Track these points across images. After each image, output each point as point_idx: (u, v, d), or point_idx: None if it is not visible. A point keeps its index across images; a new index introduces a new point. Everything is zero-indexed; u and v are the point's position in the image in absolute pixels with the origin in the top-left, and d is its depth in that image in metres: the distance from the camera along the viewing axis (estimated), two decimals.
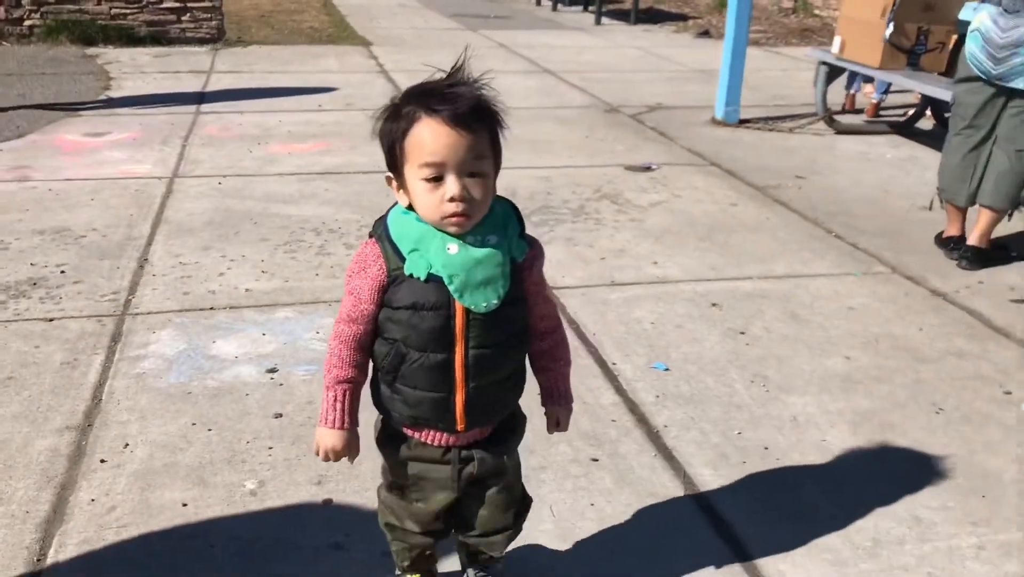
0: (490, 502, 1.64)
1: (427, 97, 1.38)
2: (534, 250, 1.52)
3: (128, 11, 8.84)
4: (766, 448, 2.44)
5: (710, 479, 2.29)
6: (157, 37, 8.88)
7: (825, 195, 4.69)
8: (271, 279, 3.43)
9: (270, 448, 2.36)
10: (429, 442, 1.57)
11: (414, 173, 1.40)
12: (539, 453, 2.34)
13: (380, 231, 1.48)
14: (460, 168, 1.38)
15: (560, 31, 11.44)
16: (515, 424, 1.66)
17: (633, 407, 2.62)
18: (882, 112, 6.65)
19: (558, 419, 1.67)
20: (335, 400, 1.54)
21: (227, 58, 8.35)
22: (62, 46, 8.50)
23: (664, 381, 2.77)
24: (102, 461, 2.28)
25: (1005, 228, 4.03)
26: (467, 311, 1.45)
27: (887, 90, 6.42)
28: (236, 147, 5.26)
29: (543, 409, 1.68)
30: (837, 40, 5.79)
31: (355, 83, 7.38)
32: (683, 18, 12.98)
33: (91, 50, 8.41)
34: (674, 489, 2.25)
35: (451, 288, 1.44)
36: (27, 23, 8.64)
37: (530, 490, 1.82)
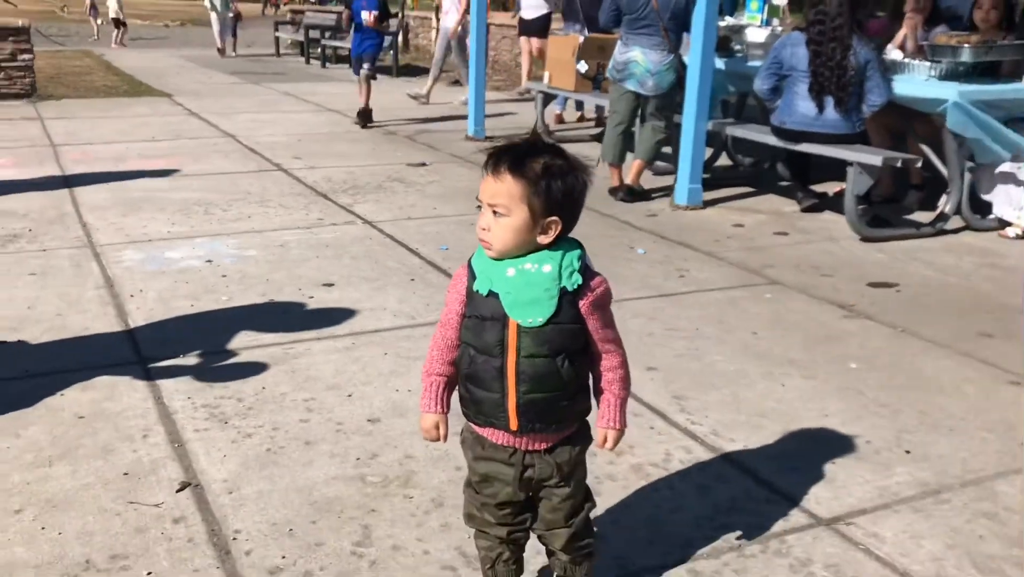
0: (549, 506, 1.89)
1: (492, 151, 1.73)
2: (591, 284, 1.75)
3: None
4: None
5: None
6: None
7: None
8: (180, 227, 5.11)
9: (227, 293, 4.11)
10: (496, 442, 1.84)
11: None
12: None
13: (470, 259, 1.80)
14: (488, 205, 1.71)
15: (334, 82, 13.35)
16: (575, 441, 1.87)
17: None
18: (578, 123, 9.25)
19: (605, 436, 1.88)
20: (428, 388, 1.86)
21: (49, 109, 9.60)
22: None
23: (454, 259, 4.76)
24: (131, 296, 3.95)
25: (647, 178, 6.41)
26: (518, 325, 1.74)
27: (565, 103, 9.24)
28: (103, 164, 6.77)
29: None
30: (546, 75, 8.14)
31: (174, 122, 8.96)
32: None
33: None
34: None
35: (504, 304, 1.73)
36: None
37: None
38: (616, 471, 2.66)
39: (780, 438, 2.93)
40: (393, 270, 4.46)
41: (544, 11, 10.85)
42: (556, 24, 10.77)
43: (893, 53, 5.88)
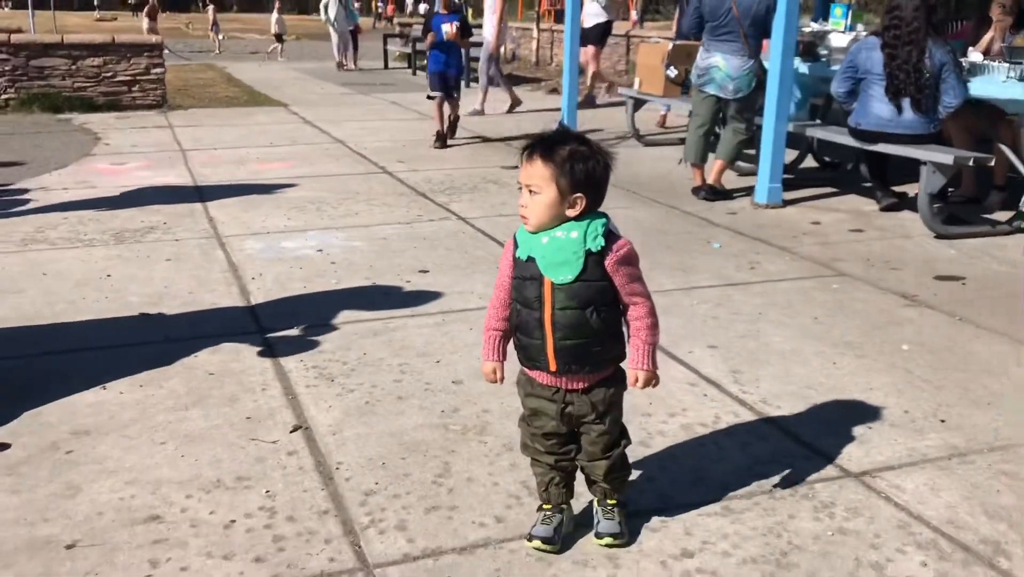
0: (589, 440, 2.22)
1: (528, 141, 2.09)
2: (613, 246, 2.07)
3: (88, 84, 10.82)
4: None
5: None
6: (113, 104, 10.88)
7: (630, 176, 7.24)
8: (294, 222, 5.67)
9: (335, 277, 4.61)
10: (542, 382, 2.18)
11: None
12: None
13: (515, 233, 2.16)
14: (525, 186, 2.07)
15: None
16: (610, 384, 2.19)
17: None
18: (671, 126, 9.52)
19: (636, 377, 2.17)
20: (487, 341, 2.23)
21: (177, 118, 10.44)
22: (34, 114, 10.38)
23: None
24: (252, 279, 4.49)
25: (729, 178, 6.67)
26: (552, 283, 2.07)
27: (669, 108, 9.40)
28: (226, 168, 7.44)
29: None
30: (636, 81, 8.48)
31: (288, 129, 9.65)
32: (537, 80, 15.79)
33: (61, 116, 10.34)
34: None
35: (540, 266, 2.07)
36: (3, 96, 10.52)
37: None
38: (667, 428, 3.00)
39: (823, 406, 3.21)
40: (481, 259, 4.88)
41: (603, 19, 11.21)
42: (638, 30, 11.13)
43: (974, 56, 5.99)
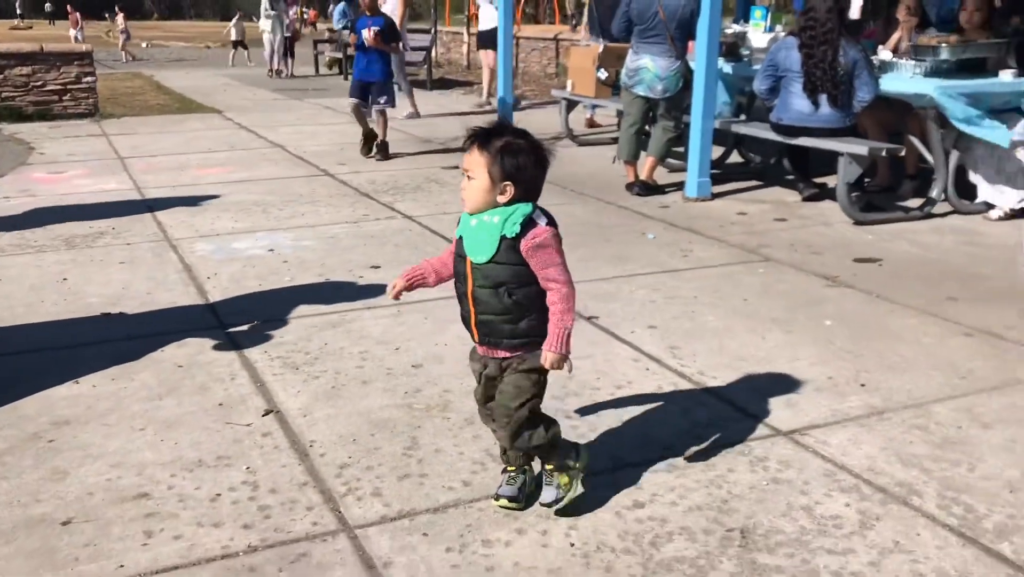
0: (495, 401, 2.43)
1: (469, 132, 2.32)
2: (531, 232, 2.24)
3: (16, 94, 10.68)
4: None
5: None
6: (43, 114, 10.75)
7: (566, 174, 7.51)
8: (242, 224, 5.79)
9: (289, 274, 4.77)
10: (476, 352, 2.45)
11: None
12: None
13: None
14: (464, 170, 2.30)
15: None
16: (524, 359, 2.35)
17: None
18: (603, 125, 9.85)
19: (546, 357, 2.30)
20: (410, 268, 2.52)
21: (111, 126, 10.40)
22: None
23: None
24: (208, 278, 4.62)
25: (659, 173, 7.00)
26: (471, 261, 2.30)
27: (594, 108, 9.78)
28: (167, 174, 7.50)
29: None
30: (569, 83, 8.77)
31: (225, 135, 9.71)
32: (469, 84, 16.01)
33: None
34: None
35: (465, 246, 2.31)
36: None
37: None
38: (614, 399, 3.26)
39: (755, 376, 3.51)
40: (431, 254, 4.95)
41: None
42: (577, 35, 11.47)
43: (883, 54, 6.41)
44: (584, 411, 3.17)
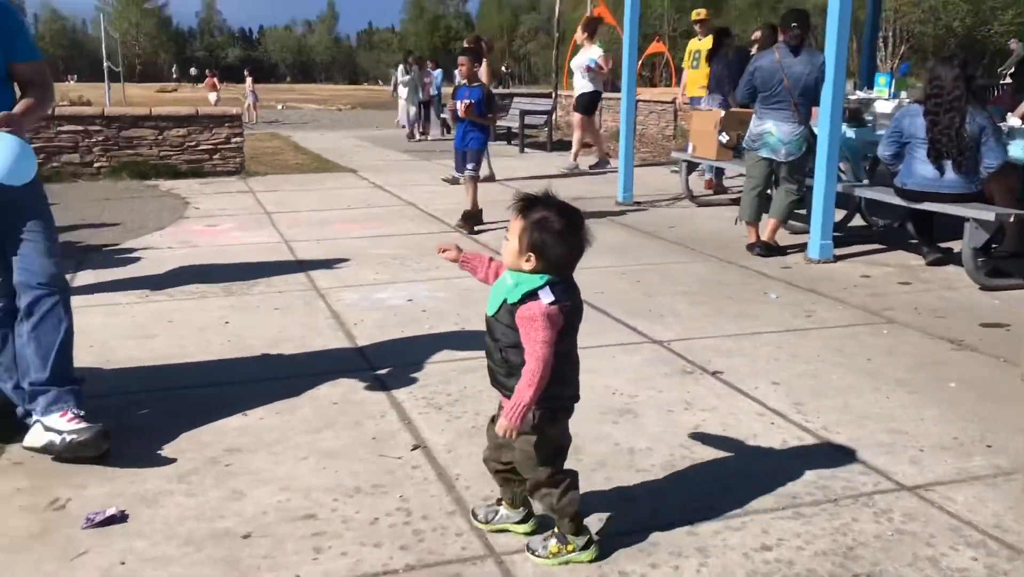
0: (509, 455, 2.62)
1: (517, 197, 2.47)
2: (527, 305, 2.36)
3: (172, 153, 11.62)
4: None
5: None
6: (195, 171, 11.64)
7: (687, 234, 7.71)
8: (382, 276, 6.20)
9: (428, 322, 5.11)
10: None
11: None
12: None
13: None
14: (507, 231, 2.45)
15: (495, 157, 14.61)
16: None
17: None
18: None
19: (500, 421, 2.45)
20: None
21: (256, 183, 11.16)
22: (124, 181, 11.16)
23: None
24: (355, 324, 5.00)
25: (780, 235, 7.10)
26: (486, 311, 2.52)
27: (715, 171, 10.02)
28: (310, 228, 8.05)
29: None
30: (690, 146, 8.99)
31: (361, 193, 10.30)
32: (587, 145, 16.39)
33: (148, 182, 11.11)
34: None
35: (489, 296, 2.51)
36: (96, 164, 11.34)
37: None
38: (741, 451, 3.42)
39: (879, 433, 3.60)
40: None
41: (588, 90, 12.46)
42: (682, 99, 11.98)
43: (1012, 120, 6.42)
44: (710, 461, 3.33)
